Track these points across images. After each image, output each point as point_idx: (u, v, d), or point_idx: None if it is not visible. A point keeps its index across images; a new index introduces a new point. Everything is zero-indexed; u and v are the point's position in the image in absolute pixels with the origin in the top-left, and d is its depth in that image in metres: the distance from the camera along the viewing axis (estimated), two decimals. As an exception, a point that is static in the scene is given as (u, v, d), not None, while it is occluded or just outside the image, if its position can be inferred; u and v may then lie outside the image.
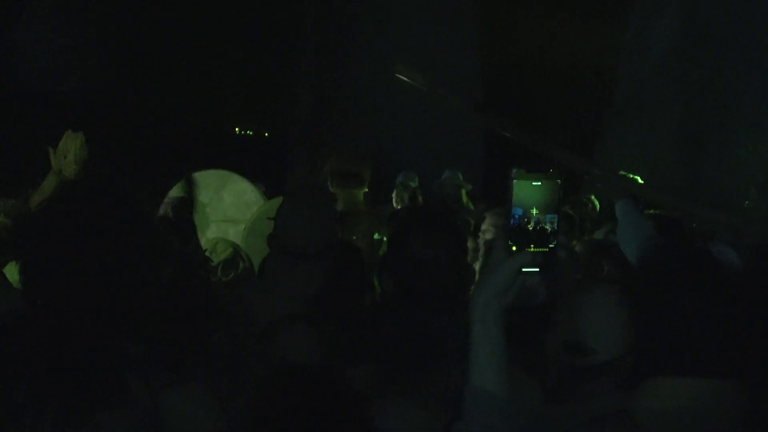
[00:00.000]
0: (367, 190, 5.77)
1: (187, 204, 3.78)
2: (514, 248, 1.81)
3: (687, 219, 5.15)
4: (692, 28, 12.89)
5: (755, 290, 3.04)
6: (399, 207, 6.94)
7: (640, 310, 1.99)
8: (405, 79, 4.34)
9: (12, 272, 3.04)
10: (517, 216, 1.80)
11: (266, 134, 17.61)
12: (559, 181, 1.79)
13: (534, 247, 1.80)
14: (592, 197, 7.77)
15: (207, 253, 4.78)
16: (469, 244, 5.49)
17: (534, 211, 1.80)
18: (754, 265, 3.25)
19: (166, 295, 2.29)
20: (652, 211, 4.90)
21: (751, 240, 3.98)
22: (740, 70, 12.61)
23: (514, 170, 1.79)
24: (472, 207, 8.09)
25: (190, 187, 3.88)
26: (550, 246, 1.81)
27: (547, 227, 1.80)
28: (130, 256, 2.18)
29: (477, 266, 6.16)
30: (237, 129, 17.59)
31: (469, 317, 1.85)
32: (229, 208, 5.40)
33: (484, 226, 5.48)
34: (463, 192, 8.38)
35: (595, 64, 15.50)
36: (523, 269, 1.81)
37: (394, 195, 7.26)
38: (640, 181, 5.40)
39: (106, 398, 2.08)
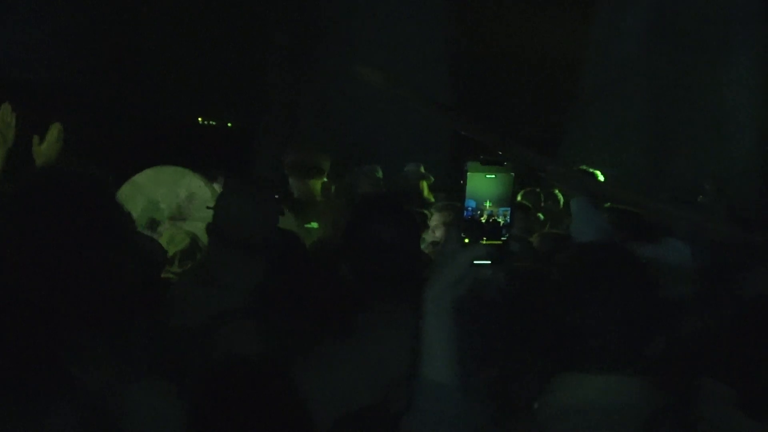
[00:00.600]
0: (325, 180, 5.77)
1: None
2: (467, 240, 1.81)
3: (648, 215, 5.16)
4: (659, 24, 12.98)
5: (708, 286, 3.04)
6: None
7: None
8: (363, 79, 4.30)
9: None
10: (470, 208, 1.79)
11: (229, 125, 17.57)
12: (512, 173, 1.79)
13: (487, 240, 1.80)
14: (556, 191, 7.80)
15: (164, 244, 4.74)
16: (428, 236, 5.48)
17: (487, 204, 1.79)
18: (710, 262, 3.25)
19: (124, 287, 2.24)
20: (608, 204, 4.90)
21: (709, 236, 3.99)
22: (706, 66, 12.72)
23: (469, 162, 1.78)
24: (433, 199, 8.10)
25: None
26: (503, 238, 1.81)
27: (500, 220, 1.80)
28: (97, 246, 2.14)
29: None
30: (200, 119, 17.51)
31: (422, 309, 1.84)
32: (183, 205, 5.35)
33: (432, 223, 5.49)
34: (425, 184, 8.41)
35: (562, 59, 15.55)
36: (476, 261, 1.80)
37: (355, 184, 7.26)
38: (600, 176, 5.40)
39: (51, 391, 2.03)
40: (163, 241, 4.71)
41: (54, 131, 4.14)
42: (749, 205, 3.74)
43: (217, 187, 6.13)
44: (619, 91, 13.13)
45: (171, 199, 5.28)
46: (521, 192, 7.27)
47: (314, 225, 5.24)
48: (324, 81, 13.04)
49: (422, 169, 8.58)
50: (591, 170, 5.50)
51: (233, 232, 3.17)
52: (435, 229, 5.20)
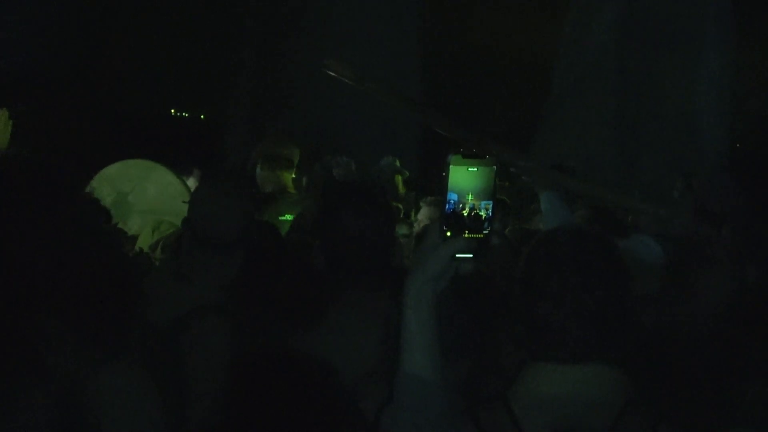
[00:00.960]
0: (294, 175, 5.76)
1: None
2: (448, 234, 1.79)
3: (619, 210, 5.21)
4: (629, 22, 13.05)
5: (678, 280, 3.08)
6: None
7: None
8: (332, 74, 4.31)
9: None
10: (452, 201, 1.77)
11: (202, 116, 17.49)
12: (494, 167, 1.78)
13: (468, 233, 1.78)
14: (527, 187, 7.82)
15: (149, 230, 4.74)
16: (403, 230, 5.49)
17: (469, 197, 1.78)
18: (677, 256, 3.28)
19: (90, 273, 2.24)
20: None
21: (676, 231, 4.03)
22: (675, 63, 12.80)
23: (451, 156, 1.77)
24: (405, 193, 8.14)
25: None
26: (485, 232, 1.79)
27: (482, 213, 1.79)
28: (48, 230, 2.13)
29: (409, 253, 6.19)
30: (173, 111, 17.42)
31: (403, 302, 1.84)
32: (152, 199, 5.34)
33: (419, 216, 5.49)
34: (399, 178, 8.41)
35: (534, 56, 15.61)
36: (457, 255, 1.79)
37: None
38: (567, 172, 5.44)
39: (22, 377, 2.03)
40: (148, 227, 4.71)
41: (1, 118, 4.12)
42: (718, 201, 3.78)
43: (192, 181, 6.14)
44: (591, 89, 13.19)
45: (140, 192, 5.27)
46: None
47: (288, 217, 5.23)
48: (295, 73, 12.98)
49: (397, 163, 8.58)
50: (565, 165, 5.54)
51: (209, 231, 3.16)
52: (422, 223, 5.20)
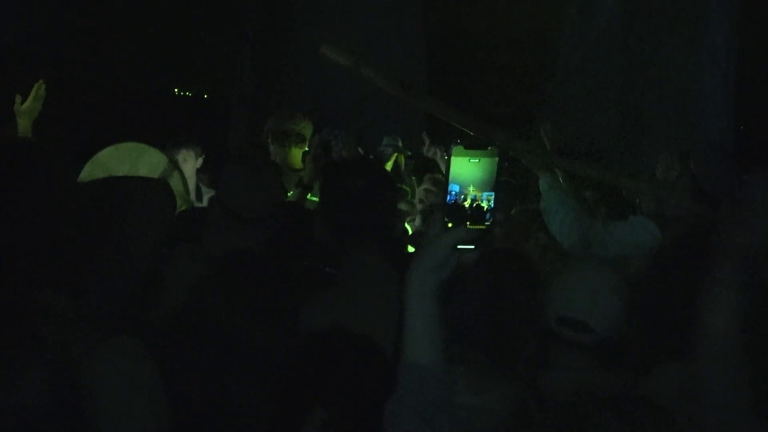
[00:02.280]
0: (307, 149, 5.75)
1: None
2: (450, 225, 1.80)
3: (627, 194, 5.20)
4: (635, 2, 12.99)
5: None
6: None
7: (651, 295, 2.00)
8: (330, 58, 4.32)
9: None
10: (453, 192, 1.78)
11: (206, 95, 17.47)
12: (497, 158, 1.78)
13: (470, 224, 1.80)
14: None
15: None
16: (402, 206, 5.51)
17: (471, 188, 1.79)
18: (674, 238, 3.29)
19: (91, 250, 2.25)
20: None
21: (673, 212, 4.02)
22: (679, 45, 12.76)
23: (453, 147, 1.77)
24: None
25: None
26: (487, 223, 1.80)
27: (484, 204, 1.79)
28: (38, 209, 2.15)
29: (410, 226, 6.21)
30: (176, 90, 17.39)
31: (405, 292, 1.85)
32: None
33: (423, 185, 5.49)
34: (402, 158, 8.41)
35: (538, 36, 15.55)
36: (459, 246, 1.81)
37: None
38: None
39: (20, 353, 2.04)
40: None
41: (38, 90, 4.37)
42: (715, 180, 3.78)
43: (184, 157, 6.16)
44: (596, 70, 13.15)
45: (133, 174, 5.29)
46: None
47: (291, 195, 5.24)
48: (298, 52, 12.94)
49: (399, 144, 8.56)
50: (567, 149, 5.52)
51: (241, 202, 3.26)
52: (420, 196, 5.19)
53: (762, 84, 15.59)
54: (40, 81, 4.52)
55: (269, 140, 5.74)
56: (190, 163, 6.54)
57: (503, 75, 17.52)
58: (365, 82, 4.46)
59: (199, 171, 6.64)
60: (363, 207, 2.93)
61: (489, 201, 1.80)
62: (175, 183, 4.95)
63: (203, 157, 6.70)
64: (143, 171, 5.30)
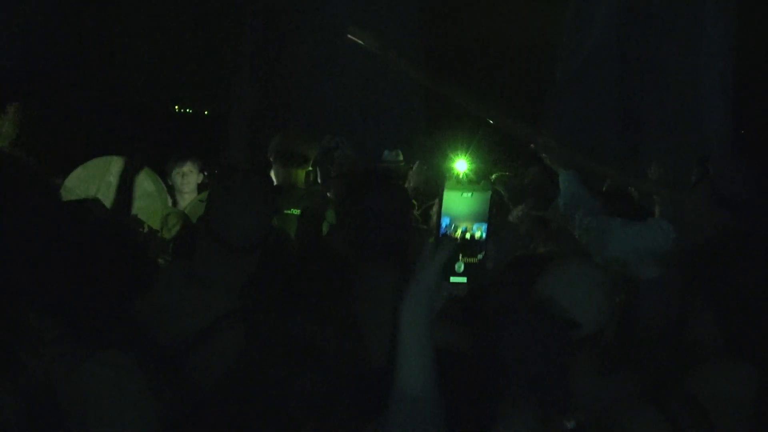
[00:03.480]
0: (310, 168, 5.73)
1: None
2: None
3: (637, 193, 5.20)
4: (632, 8, 13.02)
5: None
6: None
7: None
8: (357, 40, 4.31)
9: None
10: (444, 226, 1.78)
11: (206, 112, 17.47)
12: (489, 192, 1.79)
13: (462, 257, 1.80)
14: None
15: (160, 227, 4.74)
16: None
17: (463, 222, 1.79)
18: (693, 240, 3.29)
19: (74, 266, 2.24)
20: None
21: (691, 216, 4.01)
22: (678, 50, 12.78)
23: (446, 181, 1.77)
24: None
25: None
26: (479, 257, 1.80)
27: (477, 236, 1.80)
28: (26, 224, 2.14)
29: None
30: (177, 107, 17.40)
31: (398, 321, 1.84)
32: (116, 189, 5.35)
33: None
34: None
35: (537, 42, 15.57)
36: (452, 279, 1.81)
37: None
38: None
39: None
40: (155, 219, 4.72)
41: (10, 111, 4.26)
42: (735, 186, 3.76)
43: (189, 169, 6.17)
44: (595, 76, 13.17)
45: (104, 187, 5.27)
46: (492, 176, 7.27)
47: (294, 212, 5.21)
48: (296, 67, 12.96)
49: (401, 157, 8.58)
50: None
51: (229, 232, 3.14)
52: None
53: (760, 88, 15.60)
54: (14, 104, 4.42)
55: (272, 159, 5.71)
56: (194, 175, 6.54)
57: (501, 81, 17.53)
58: (370, 89, 4.46)
59: (199, 186, 6.63)
60: (383, 224, 2.94)
61: (481, 233, 1.79)
62: (141, 181, 4.99)
63: (205, 173, 6.69)
64: (114, 180, 5.27)
